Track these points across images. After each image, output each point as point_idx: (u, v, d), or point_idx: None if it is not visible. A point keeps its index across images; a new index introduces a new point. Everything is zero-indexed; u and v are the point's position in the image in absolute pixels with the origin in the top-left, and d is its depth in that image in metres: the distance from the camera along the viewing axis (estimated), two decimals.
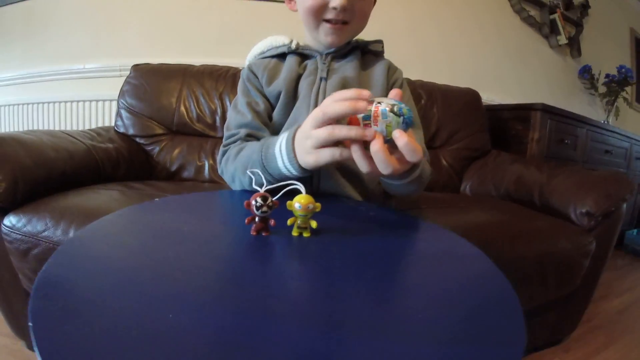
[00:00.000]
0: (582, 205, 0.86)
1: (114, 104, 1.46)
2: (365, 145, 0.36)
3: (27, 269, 0.66)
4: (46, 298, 0.21)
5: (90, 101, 1.56)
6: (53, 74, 1.63)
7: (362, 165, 0.37)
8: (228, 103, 1.19)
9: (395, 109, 0.34)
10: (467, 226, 0.75)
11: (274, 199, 0.33)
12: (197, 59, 1.37)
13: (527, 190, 1.03)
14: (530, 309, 0.81)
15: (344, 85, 0.58)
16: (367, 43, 0.65)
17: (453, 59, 1.77)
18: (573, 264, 0.82)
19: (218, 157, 0.59)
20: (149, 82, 1.23)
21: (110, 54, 1.56)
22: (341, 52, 0.62)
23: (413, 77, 1.36)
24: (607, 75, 2.16)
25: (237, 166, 0.52)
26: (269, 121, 0.60)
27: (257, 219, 0.33)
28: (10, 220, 0.66)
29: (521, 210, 0.94)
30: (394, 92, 0.38)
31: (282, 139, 0.45)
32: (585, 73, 2.14)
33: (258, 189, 0.34)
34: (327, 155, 0.39)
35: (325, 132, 0.38)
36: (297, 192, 0.34)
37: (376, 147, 0.35)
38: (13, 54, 1.73)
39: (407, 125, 0.35)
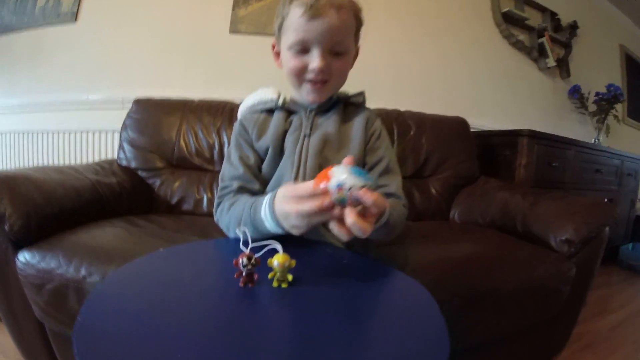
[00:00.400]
0: (562, 233, 0.88)
1: (116, 135, 1.52)
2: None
3: (42, 301, 0.70)
4: (86, 343, 0.29)
5: (94, 132, 1.62)
6: (57, 103, 1.69)
7: (342, 236, 0.43)
8: (225, 138, 1.24)
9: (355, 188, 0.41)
10: (445, 259, 0.78)
11: (256, 256, 0.40)
12: (196, 92, 1.44)
13: (510, 217, 1.06)
14: (510, 333, 0.84)
15: (324, 141, 0.65)
16: (348, 97, 0.71)
17: (443, 87, 1.82)
18: (551, 291, 0.85)
19: (214, 206, 0.65)
20: (150, 116, 1.29)
21: (113, 86, 1.63)
22: (324, 107, 0.68)
23: (403, 107, 1.41)
24: (597, 94, 2.20)
25: (230, 219, 0.58)
26: (259, 173, 0.66)
27: (243, 273, 0.40)
28: (24, 256, 0.71)
29: (503, 240, 0.96)
30: (347, 160, 0.45)
31: (265, 204, 0.51)
32: (575, 93, 2.18)
33: (244, 249, 0.41)
34: (310, 226, 0.46)
35: (303, 222, 0.45)
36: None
37: (350, 220, 0.41)
38: (18, 81, 1.79)
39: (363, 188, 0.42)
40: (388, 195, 0.63)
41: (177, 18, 1.62)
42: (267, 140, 0.65)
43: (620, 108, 2.45)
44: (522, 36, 2.01)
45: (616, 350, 1.18)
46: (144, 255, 0.49)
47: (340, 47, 0.61)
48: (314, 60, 0.59)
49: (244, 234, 0.48)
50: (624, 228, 2.29)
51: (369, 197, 0.41)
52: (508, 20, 1.94)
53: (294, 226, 0.47)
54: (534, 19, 2.08)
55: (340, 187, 0.41)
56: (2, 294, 0.78)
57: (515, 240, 0.96)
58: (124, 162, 1.26)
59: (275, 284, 0.41)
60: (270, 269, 0.41)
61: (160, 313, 0.35)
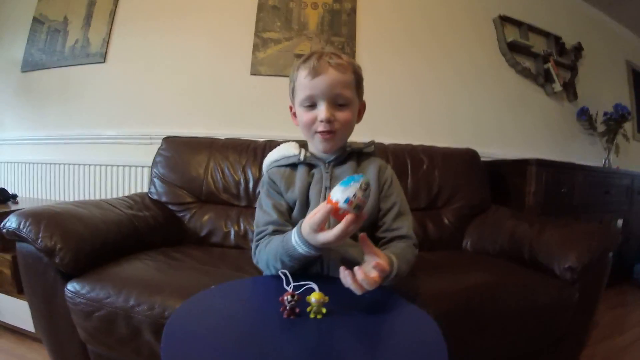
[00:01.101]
0: (565, 261, 0.92)
1: (144, 169, 1.63)
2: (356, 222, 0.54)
3: (91, 327, 0.78)
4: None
5: (123, 166, 1.72)
6: (87, 137, 1.80)
7: (356, 290, 0.54)
8: (250, 175, 1.33)
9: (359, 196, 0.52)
10: (455, 291, 0.84)
11: (297, 293, 0.51)
12: (220, 130, 1.54)
13: (518, 246, 1.10)
14: (519, 355, 0.91)
15: None
16: (360, 149, 0.80)
17: (453, 119, 1.87)
18: (554, 316, 0.90)
19: (252, 249, 0.74)
20: (179, 154, 1.39)
21: (142, 123, 1.73)
22: (339, 159, 0.77)
23: (415, 142, 1.49)
24: (605, 114, 2.22)
25: (268, 256, 0.67)
26: (290, 218, 0.75)
27: (287, 308, 0.50)
28: (73, 286, 0.79)
29: (510, 269, 1.02)
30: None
31: (294, 233, 0.61)
32: (583, 115, 2.19)
33: (287, 288, 0.54)
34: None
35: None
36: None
37: (360, 276, 0.53)
38: (48, 115, 1.90)
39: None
40: (400, 237, 0.74)
41: (201, 59, 1.73)
42: (294, 194, 0.74)
43: (629, 126, 2.45)
44: (527, 63, 2.06)
45: None
46: (201, 292, 0.59)
47: (341, 99, 0.71)
48: (321, 112, 0.70)
49: (285, 275, 0.59)
50: (637, 246, 2.29)
51: (373, 281, 0.53)
52: (513, 49, 2.00)
53: (324, 242, 0.56)
54: (539, 44, 2.13)
55: (348, 201, 0.51)
56: (47, 320, 0.87)
57: (521, 269, 1.01)
58: (155, 197, 1.35)
59: (312, 316, 0.51)
60: (308, 303, 0.51)
61: (227, 344, 0.44)
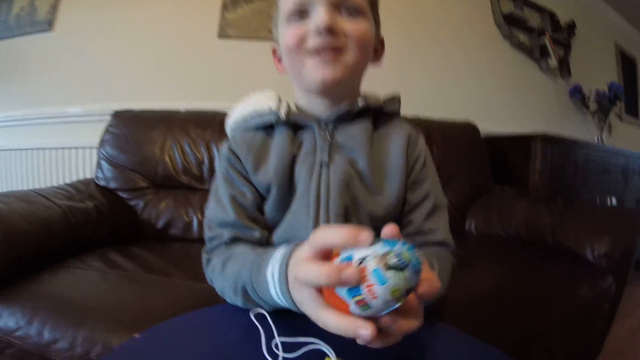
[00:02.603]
0: (600, 246, 0.86)
1: (94, 151, 1.39)
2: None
3: None
4: None
5: (70, 148, 1.49)
6: (31, 117, 1.56)
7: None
8: (215, 152, 1.13)
9: (392, 261, 0.23)
10: (482, 294, 0.70)
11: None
12: (182, 102, 1.32)
13: (538, 231, 1.02)
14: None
15: (351, 173, 0.47)
16: (380, 105, 0.51)
17: (447, 90, 1.76)
18: (594, 311, 0.82)
19: (203, 262, 0.48)
20: (131, 130, 1.17)
21: (93, 98, 1.50)
22: (346, 116, 0.49)
23: (409, 112, 1.32)
24: (598, 93, 2.18)
25: (224, 284, 0.43)
26: (260, 214, 0.48)
27: None
28: None
29: (535, 258, 0.92)
30: (388, 229, 0.28)
31: (276, 263, 0.35)
32: (577, 93, 2.15)
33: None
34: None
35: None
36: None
37: (390, 340, 0.27)
38: None
39: (416, 275, 0.24)
40: (436, 244, 0.49)
41: (161, 23, 1.51)
42: (268, 174, 0.47)
43: (620, 106, 2.44)
44: (522, 37, 1.97)
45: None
46: (117, 348, 0.35)
47: (350, 2, 0.44)
48: (317, 16, 0.42)
49: (264, 318, 0.33)
50: None
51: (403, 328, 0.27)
52: (509, 22, 1.91)
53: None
54: (533, 19, 2.05)
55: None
56: None
57: (547, 257, 0.92)
58: (103, 183, 1.15)
59: None
60: None
61: None
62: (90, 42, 1.55)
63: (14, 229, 0.71)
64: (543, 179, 1.35)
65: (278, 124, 0.49)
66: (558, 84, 2.17)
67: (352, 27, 0.44)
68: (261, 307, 0.38)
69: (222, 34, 1.45)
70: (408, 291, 0.24)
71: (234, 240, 0.46)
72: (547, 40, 1.95)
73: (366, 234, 0.25)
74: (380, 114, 0.52)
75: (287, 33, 0.45)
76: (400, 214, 0.50)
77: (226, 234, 0.46)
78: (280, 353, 0.27)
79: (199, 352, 0.34)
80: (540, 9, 2.09)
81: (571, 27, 2.21)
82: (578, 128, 2.26)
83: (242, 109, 0.54)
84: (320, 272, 0.25)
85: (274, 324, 0.32)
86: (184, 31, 1.49)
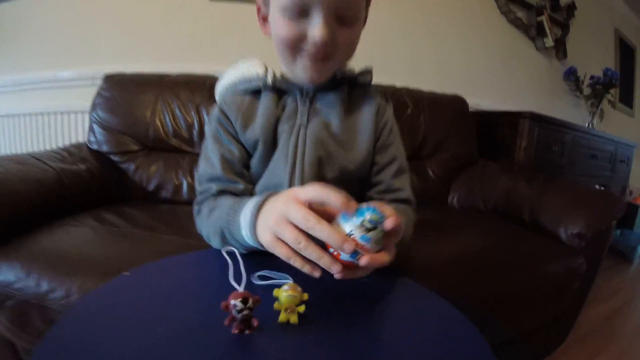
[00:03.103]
0: (573, 226, 0.85)
1: (87, 116, 1.40)
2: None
3: (5, 320, 0.63)
4: None
5: (62, 113, 1.48)
6: (21, 83, 1.54)
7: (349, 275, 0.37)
8: (205, 116, 1.13)
9: (368, 225, 0.34)
10: (453, 257, 0.72)
11: (254, 294, 0.30)
12: (173, 65, 1.32)
13: (516, 206, 1.02)
14: (517, 334, 0.80)
15: (325, 133, 0.54)
16: (354, 76, 0.58)
17: (440, 63, 1.74)
18: (562, 287, 0.82)
19: (194, 213, 0.54)
20: (122, 94, 1.17)
21: (84, 62, 1.48)
22: (324, 87, 0.55)
23: (399, 83, 1.33)
24: (592, 77, 2.18)
25: (209, 229, 0.49)
26: (246, 170, 0.55)
27: (237, 319, 0.30)
28: None
29: (510, 231, 0.93)
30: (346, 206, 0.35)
31: (248, 208, 0.41)
32: (571, 75, 2.15)
33: (236, 286, 0.31)
34: (284, 255, 0.36)
35: (293, 240, 0.34)
36: None
37: (364, 263, 0.35)
38: None
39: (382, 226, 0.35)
40: (402, 201, 0.56)
41: None
42: (255, 133, 0.53)
43: (614, 92, 2.43)
44: (520, 13, 1.94)
45: (612, 340, 1.18)
46: (102, 286, 0.38)
47: (349, 12, 0.47)
48: (315, 29, 0.45)
49: (231, 255, 0.37)
50: None
51: (376, 262, 0.36)
52: None
53: (274, 241, 0.36)
54: None
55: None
56: None
57: (522, 232, 0.93)
58: (95, 146, 1.16)
59: (282, 319, 0.32)
60: (273, 310, 0.32)
61: None
62: (80, 5, 1.50)
63: (9, 189, 0.74)
64: (528, 156, 1.38)
65: (264, 89, 0.56)
66: (553, 65, 2.16)
67: (345, 36, 0.48)
68: (236, 248, 0.42)
69: None
70: (381, 236, 0.35)
71: (221, 192, 0.52)
72: (544, 19, 1.93)
73: (353, 205, 0.35)
74: (355, 85, 0.59)
75: (282, 26, 0.47)
76: (369, 175, 0.58)
77: (214, 187, 0.52)
78: (243, 276, 0.32)
79: (179, 284, 0.40)
80: None
81: (571, 7, 2.18)
82: (569, 111, 2.27)
83: (231, 75, 0.60)
84: (329, 234, 0.32)
85: (244, 261, 0.36)
86: None
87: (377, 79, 1.27)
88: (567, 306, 0.87)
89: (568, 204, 0.92)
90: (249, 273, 0.35)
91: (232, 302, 0.29)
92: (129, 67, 1.28)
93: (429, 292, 0.42)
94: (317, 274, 0.35)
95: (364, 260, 0.34)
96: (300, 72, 0.51)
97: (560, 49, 2.12)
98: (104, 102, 1.17)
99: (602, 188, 2.00)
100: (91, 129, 1.17)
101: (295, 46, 0.48)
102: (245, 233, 0.40)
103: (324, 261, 0.34)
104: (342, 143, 0.55)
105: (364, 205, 0.35)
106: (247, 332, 0.30)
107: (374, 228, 0.34)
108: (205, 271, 0.45)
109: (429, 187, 1.22)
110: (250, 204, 0.41)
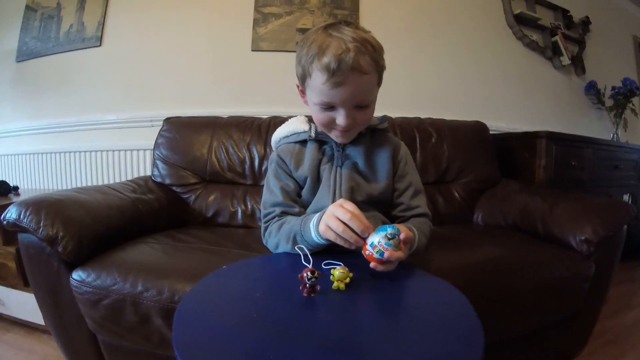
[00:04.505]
0: (581, 233, 0.91)
1: (147, 153, 1.60)
2: None
3: (98, 316, 0.75)
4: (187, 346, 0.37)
5: (125, 150, 1.69)
6: (87, 123, 1.77)
7: (380, 268, 0.55)
8: (255, 152, 1.30)
9: (389, 236, 0.53)
10: (471, 264, 0.82)
11: (318, 270, 0.48)
12: (222, 109, 1.50)
13: (531, 220, 1.09)
14: (531, 332, 0.88)
15: (355, 170, 0.74)
16: (374, 125, 0.77)
17: (460, 91, 1.84)
18: (571, 289, 0.88)
19: (262, 230, 0.73)
20: (181, 134, 1.35)
21: (141, 106, 1.70)
22: (352, 140, 0.74)
23: (421, 114, 1.46)
24: (613, 88, 2.19)
25: (280, 238, 0.67)
26: (298, 198, 0.75)
27: (307, 285, 0.47)
28: (79, 274, 0.75)
29: (524, 243, 0.99)
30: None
31: (315, 218, 0.61)
32: (591, 89, 2.17)
33: (306, 264, 0.49)
34: (332, 236, 0.56)
35: (336, 227, 0.55)
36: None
37: (380, 268, 0.54)
38: (46, 103, 1.86)
39: (399, 236, 0.54)
40: (419, 215, 0.75)
41: (200, 37, 1.68)
42: (304, 171, 0.73)
43: (637, 101, 2.42)
44: (535, 36, 2.01)
45: (637, 344, 1.18)
46: (211, 273, 0.55)
47: (364, 102, 0.65)
48: (340, 118, 0.64)
49: (302, 250, 0.55)
50: None
51: (395, 256, 0.53)
52: (521, 22, 1.95)
53: (326, 229, 0.56)
54: (546, 17, 2.08)
55: (373, 245, 0.53)
56: (54, 311, 0.84)
57: (536, 242, 1.00)
58: (159, 179, 1.32)
59: (335, 287, 0.49)
60: (329, 281, 0.49)
61: (243, 326, 0.41)
62: (135, 56, 1.72)
63: (99, 213, 0.88)
64: (547, 174, 1.45)
65: (309, 140, 0.76)
66: (572, 81, 2.19)
67: (362, 116, 0.67)
68: (305, 247, 0.61)
69: (255, 47, 1.63)
70: (398, 243, 0.53)
71: (282, 214, 0.72)
72: (558, 39, 2.00)
73: (371, 227, 0.55)
74: (375, 132, 0.78)
75: (318, 115, 0.67)
76: (391, 198, 0.76)
77: (277, 209, 0.72)
78: (310, 259, 0.51)
79: (264, 270, 0.62)
80: (553, 7, 2.13)
81: (585, 23, 2.22)
82: (593, 124, 2.27)
83: (284, 129, 0.81)
84: (357, 224, 0.54)
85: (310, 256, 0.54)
86: (221, 45, 1.65)
87: (404, 113, 1.42)
88: (581, 307, 0.92)
89: (577, 213, 0.98)
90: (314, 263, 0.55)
91: (305, 273, 0.46)
92: (183, 111, 1.46)
93: (433, 277, 0.58)
94: (352, 247, 0.55)
95: (387, 254, 0.52)
96: (334, 137, 0.72)
97: (578, 65, 2.16)
98: (165, 141, 1.35)
99: (630, 198, 2.01)
100: (155, 165, 1.34)
101: (327, 126, 0.68)
102: (313, 233, 0.60)
103: (355, 239, 0.54)
104: (367, 177, 0.74)
105: (388, 224, 0.56)
106: (312, 295, 0.47)
107: (393, 238, 0.52)
108: (279, 264, 0.64)
109: (455, 208, 1.31)
110: (315, 215, 0.61)
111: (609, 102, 2.23)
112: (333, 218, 0.55)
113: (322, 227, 0.57)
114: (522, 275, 0.82)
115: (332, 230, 0.55)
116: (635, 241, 2.16)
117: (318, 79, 0.61)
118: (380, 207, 0.75)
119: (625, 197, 2.00)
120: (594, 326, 1.05)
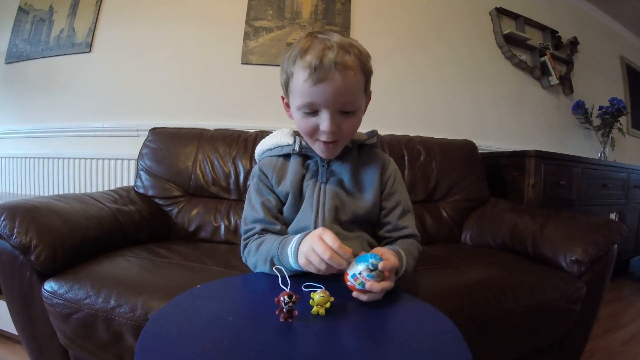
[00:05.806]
0: (571, 254, 0.91)
1: (131, 162, 1.57)
2: None
3: (69, 330, 0.71)
4: None
5: (109, 159, 1.66)
6: (72, 129, 1.74)
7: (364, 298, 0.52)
8: (240, 167, 1.28)
9: (371, 267, 0.50)
10: (459, 286, 0.80)
11: (296, 293, 0.45)
12: (209, 121, 1.48)
13: (521, 240, 1.08)
14: (521, 355, 0.85)
15: (340, 187, 0.69)
16: (362, 140, 0.73)
17: (449, 110, 1.85)
18: (563, 311, 0.86)
19: (241, 247, 0.69)
20: (167, 146, 1.32)
21: (129, 114, 1.68)
22: (338, 155, 0.70)
23: (412, 133, 1.45)
24: (601, 107, 2.24)
25: (258, 258, 0.63)
26: (280, 214, 0.70)
27: (284, 310, 0.44)
28: (51, 285, 0.72)
29: (514, 264, 0.98)
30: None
31: (292, 244, 0.57)
32: (579, 109, 2.21)
33: (284, 288, 0.46)
34: (313, 270, 0.54)
35: (317, 263, 0.52)
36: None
37: (364, 298, 0.51)
38: (33, 107, 1.83)
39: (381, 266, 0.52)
40: (407, 236, 0.70)
41: (190, 48, 1.67)
42: (286, 187, 0.69)
43: (624, 121, 2.47)
44: (524, 56, 2.05)
45: None
46: (183, 293, 0.53)
47: (349, 106, 0.61)
48: (323, 123, 0.60)
49: (280, 271, 0.53)
50: (634, 240, 2.29)
51: (377, 287, 0.50)
52: (510, 42, 1.99)
53: (307, 262, 0.53)
54: (535, 38, 2.13)
55: (354, 276, 0.51)
56: (26, 322, 0.81)
57: (526, 262, 0.98)
58: (141, 190, 1.29)
59: (314, 312, 0.46)
60: (308, 305, 0.47)
61: (213, 351, 0.38)
62: (124, 64, 1.71)
63: (75, 223, 0.85)
64: (536, 192, 1.46)
65: (293, 154, 0.71)
66: (560, 101, 2.23)
67: (347, 125, 0.63)
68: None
69: (245, 60, 1.62)
70: (381, 273, 0.51)
71: (263, 231, 0.67)
72: (547, 59, 2.03)
73: (352, 258, 0.52)
74: (363, 147, 0.74)
75: (301, 122, 0.64)
76: (378, 217, 0.72)
77: (258, 226, 0.67)
78: (289, 281, 0.49)
79: (239, 292, 0.59)
80: (541, 27, 2.17)
81: (574, 43, 2.28)
82: (581, 143, 2.31)
83: (268, 141, 0.76)
84: (336, 262, 0.50)
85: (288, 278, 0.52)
86: (211, 58, 1.64)
87: (393, 131, 1.42)
88: (572, 328, 0.91)
89: (567, 233, 0.96)
90: (294, 285, 0.52)
91: (282, 297, 0.43)
92: (169, 122, 1.44)
93: (421, 302, 0.55)
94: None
95: (368, 285, 0.49)
96: (317, 150, 0.67)
97: (566, 85, 2.20)
98: (150, 152, 1.32)
99: (617, 216, 2.03)
100: (138, 175, 1.31)
101: (311, 134, 0.64)
102: (291, 260, 0.56)
103: (337, 271, 0.52)
104: (353, 195, 0.70)
105: (370, 252, 0.52)
106: (289, 320, 0.44)
107: (375, 269, 0.50)
108: (257, 285, 0.62)
109: (443, 228, 1.30)
110: (293, 241, 0.57)
111: (596, 122, 2.28)
112: (313, 253, 0.52)
113: (302, 260, 0.54)
114: (513, 297, 0.80)
115: (312, 264, 0.53)
116: (623, 259, 2.19)
117: (299, 79, 0.58)
118: (366, 226, 0.71)
119: (612, 216, 2.02)
120: (584, 347, 1.03)
